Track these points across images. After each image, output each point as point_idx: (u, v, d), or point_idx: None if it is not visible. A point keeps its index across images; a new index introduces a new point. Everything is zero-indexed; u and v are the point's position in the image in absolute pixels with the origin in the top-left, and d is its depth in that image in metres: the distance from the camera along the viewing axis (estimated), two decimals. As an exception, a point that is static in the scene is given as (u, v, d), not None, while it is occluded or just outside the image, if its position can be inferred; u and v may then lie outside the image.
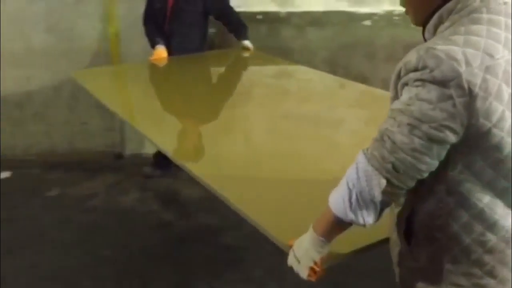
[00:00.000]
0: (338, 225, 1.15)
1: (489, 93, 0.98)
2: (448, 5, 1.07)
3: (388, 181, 1.06)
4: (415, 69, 1.01)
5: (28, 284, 2.60)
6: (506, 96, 0.99)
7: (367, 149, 1.09)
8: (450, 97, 0.98)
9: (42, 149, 4.16)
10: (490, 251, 1.09)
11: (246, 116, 2.52)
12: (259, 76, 3.35)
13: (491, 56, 0.99)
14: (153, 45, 3.64)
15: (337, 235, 1.19)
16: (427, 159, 1.03)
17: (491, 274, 1.11)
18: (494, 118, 1.00)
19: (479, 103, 0.98)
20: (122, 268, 2.73)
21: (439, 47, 1.00)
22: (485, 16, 1.03)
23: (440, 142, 1.02)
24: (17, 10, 3.86)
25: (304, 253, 1.21)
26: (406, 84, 1.04)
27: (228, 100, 2.89)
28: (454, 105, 0.98)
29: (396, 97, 1.09)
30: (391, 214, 1.21)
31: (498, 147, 1.03)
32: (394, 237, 1.22)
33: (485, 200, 1.07)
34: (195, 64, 3.53)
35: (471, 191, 1.07)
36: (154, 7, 3.73)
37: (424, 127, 1.01)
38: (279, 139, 2.19)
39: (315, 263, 1.21)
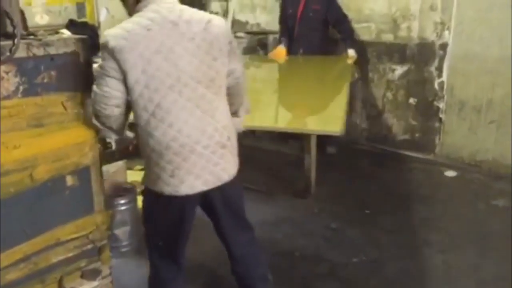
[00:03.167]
0: None
1: (123, 49, 1.73)
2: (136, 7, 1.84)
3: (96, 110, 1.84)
4: None
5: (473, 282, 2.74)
6: (135, 53, 1.74)
7: None
8: (104, 52, 1.76)
9: (489, 156, 4.27)
10: (153, 150, 1.85)
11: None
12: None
13: (128, 31, 1.75)
14: (278, 43, 4.67)
15: None
16: (105, 88, 1.78)
17: (158, 164, 1.86)
18: (128, 66, 1.75)
19: (117, 54, 1.73)
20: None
21: (112, 29, 1.80)
22: (137, 17, 1.82)
23: (106, 75, 1.77)
24: None
25: None
26: None
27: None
28: (107, 56, 1.75)
29: None
30: None
31: (132, 85, 1.78)
32: None
33: (145, 117, 1.82)
34: (302, 64, 4.53)
35: (138, 112, 1.82)
36: (287, 12, 4.58)
37: (99, 68, 1.80)
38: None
39: None
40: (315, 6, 4.45)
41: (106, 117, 1.83)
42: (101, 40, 1.76)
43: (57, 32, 2.05)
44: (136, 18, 1.80)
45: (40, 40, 1.68)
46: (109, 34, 1.76)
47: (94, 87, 1.79)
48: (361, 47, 4.67)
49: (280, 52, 4.60)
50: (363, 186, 4.04)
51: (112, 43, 1.73)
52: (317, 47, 4.52)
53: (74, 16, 5.52)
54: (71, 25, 5.07)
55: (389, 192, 3.93)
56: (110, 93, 1.78)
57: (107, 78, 1.76)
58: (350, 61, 4.42)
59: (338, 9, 4.52)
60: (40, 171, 1.76)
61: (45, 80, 1.71)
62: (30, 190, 1.74)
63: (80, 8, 5.92)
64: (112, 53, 1.73)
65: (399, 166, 4.49)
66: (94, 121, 1.85)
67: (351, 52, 4.45)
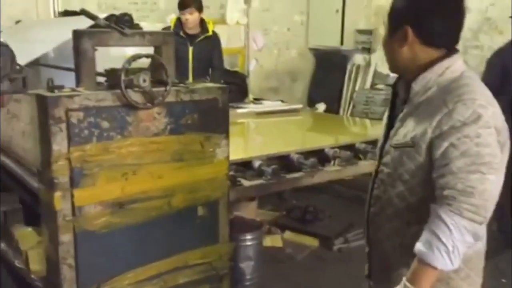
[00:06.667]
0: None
1: None
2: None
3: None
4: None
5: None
6: None
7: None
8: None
9: None
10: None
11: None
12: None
13: None
14: None
15: None
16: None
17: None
18: None
19: None
20: None
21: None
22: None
23: None
24: None
25: None
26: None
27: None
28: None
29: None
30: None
31: None
32: None
33: None
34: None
35: None
36: None
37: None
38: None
39: None
40: None
41: None
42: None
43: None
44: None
45: (187, 87, 1.97)
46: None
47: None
48: None
49: None
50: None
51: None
52: None
53: (227, 66, 6.11)
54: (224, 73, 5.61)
55: None
56: None
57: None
58: None
59: None
60: (177, 199, 2.03)
61: (189, 122, 1.99)
62: (167, 215, 2.01)
63: (233, 58, 6.52)
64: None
65: None
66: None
67: None
